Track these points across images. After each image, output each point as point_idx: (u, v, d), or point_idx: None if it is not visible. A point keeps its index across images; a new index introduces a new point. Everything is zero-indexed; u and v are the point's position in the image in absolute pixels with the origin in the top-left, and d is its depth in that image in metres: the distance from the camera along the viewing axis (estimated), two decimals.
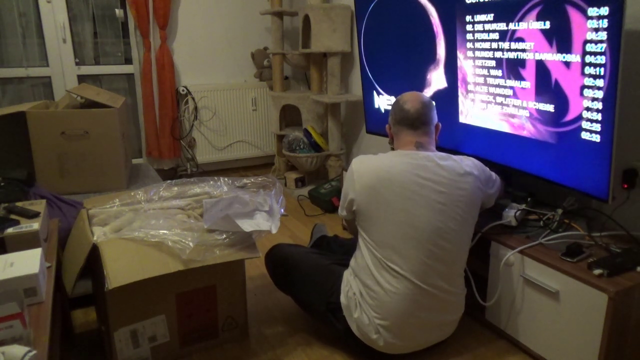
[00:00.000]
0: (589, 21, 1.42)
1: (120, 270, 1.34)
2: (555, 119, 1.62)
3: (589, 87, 1.47)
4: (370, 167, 1.50)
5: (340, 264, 1.65)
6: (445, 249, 1.46)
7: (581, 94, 1.50)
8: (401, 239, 1.44)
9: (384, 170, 1.47)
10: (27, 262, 1.19)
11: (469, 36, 1.90)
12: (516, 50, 1.70)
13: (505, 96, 1.80)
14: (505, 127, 1.85)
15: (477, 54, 1.88)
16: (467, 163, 1.55)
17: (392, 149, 1.66)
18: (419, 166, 1.48)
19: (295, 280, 1.69)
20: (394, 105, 1.64)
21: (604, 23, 1.37)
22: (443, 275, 1.47)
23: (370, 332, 1.48)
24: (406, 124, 1.58)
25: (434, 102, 1.63)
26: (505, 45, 1.74)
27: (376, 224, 1.47)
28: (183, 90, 3.52)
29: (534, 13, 1.60)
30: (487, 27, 1.80)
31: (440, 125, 1.66)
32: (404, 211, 1.44)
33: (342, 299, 1.54)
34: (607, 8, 1.36)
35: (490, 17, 1.77)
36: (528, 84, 1.69)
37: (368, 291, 1.48)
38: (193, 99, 3.55)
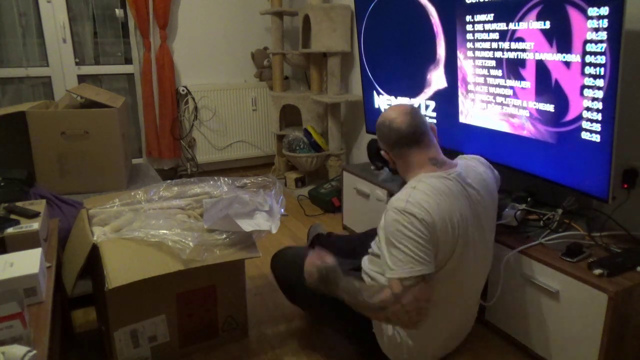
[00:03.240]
0: (589, 21, 1.42)
1: (120, 270, 1.34)
2: (555, 118, 1.62)
3: (589, 87, 1.47)
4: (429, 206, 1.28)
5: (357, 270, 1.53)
6: (484, 276, 1.49)
7: (581, 93, 1.50)
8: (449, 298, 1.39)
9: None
10: (27, 262, 1.19)
11: (469, 36, 1.90)
12: (516, 50, 1.70)
13: (505, 96, 1.80)
14: (505, 127, 1.85)
15: (477, 54, 1.88)
16: (488, 172, 1.49)
17: (395, 172, 1.51)
18: (464, 195, 1.34)
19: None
20: (380, 129, 1.45)
21: (604, 23, 1.37)
22: (478, 295, 1.51)
23: (401, 354, 1.42)
24: (407, 143, 1.40)
25: (417, 106, 1.52)
26: (505, 45, 1.74)
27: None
28: (183, 90, 3.52)
29: (534, 13, 1.60)
30: (487, 27, 1.80)
31: (434, 125, 1.52)
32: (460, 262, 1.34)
33: None
34: (607, 8, 1.36)
35: (490, 17, 1.77)
36: (528, 84, 1.69)
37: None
38: (193, 99, 3.55)
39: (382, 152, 1.48)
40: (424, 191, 1.29)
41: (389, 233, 1.26)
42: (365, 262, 1.51)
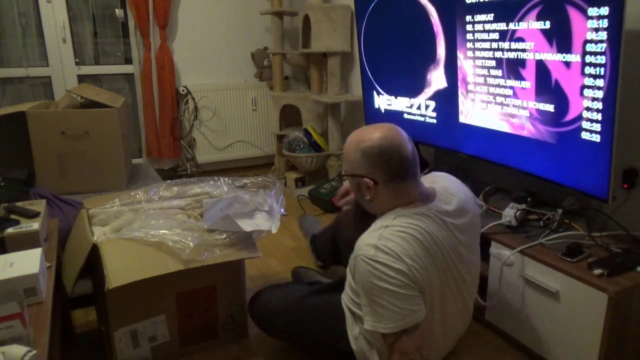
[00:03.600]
0: (589, 21, 1.42)
1: (120, 270, 1.34)
2: (555, 118, 1.62)
3: (589, 87, 1.47)
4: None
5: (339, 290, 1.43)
6: (471, 294, 1.40)
7: (581, 93, 1.50)
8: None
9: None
10: (27, 262, 1.19)
11: (469, 36, 1.90)
12: (516, 50, 1.70)
13: (505, 96, 1.80)
14: (505, 127, 1.85)
15: (477, 53, 1.88)
16: (462, 189, 1.37)
17: (368, 199, 1.26)
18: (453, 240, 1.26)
19: (294, 332, 1.48)
20: (381, 153, 1.20)
21: (604, 23, 1.37)
22: (471, 300, 1.42)
23: None
24: (408, 176, 1.22)
25: None
26: (505, 45, 1.74)
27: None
28: (183, 90, 3.52)
29: (534, 13, 1.60)
30: (487, 27, 1.80)
31: None
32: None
33: (353, 346, 1.32)
34: (607, 8, 1.36)
35: (490, 17, 1.77)
36: (528, 84, 1.69)
37: None
38: (193, 99, 3.55)
39: (365, 183, 1.24)
40: (397, 233, 1.16)
41: (364, 284, 1.15)
42: (344, 298, 1.38)
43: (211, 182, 1.86)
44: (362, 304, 1.19)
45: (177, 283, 1.52)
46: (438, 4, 2.03)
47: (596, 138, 1.48)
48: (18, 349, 0.92)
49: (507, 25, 1.71)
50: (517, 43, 1.70)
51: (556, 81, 1.58)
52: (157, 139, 3.51)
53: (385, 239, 1.15)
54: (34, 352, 0.93)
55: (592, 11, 1.40)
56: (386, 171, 1.21)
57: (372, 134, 1.22)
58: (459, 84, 2.02)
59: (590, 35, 1.42)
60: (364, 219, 1.31)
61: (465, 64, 1.96)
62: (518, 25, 1.67)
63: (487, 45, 1.83)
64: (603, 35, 1.39)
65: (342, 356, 1.34)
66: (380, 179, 1.22)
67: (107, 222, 1.62)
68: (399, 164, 1.21)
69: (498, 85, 1.82)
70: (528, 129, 1.74)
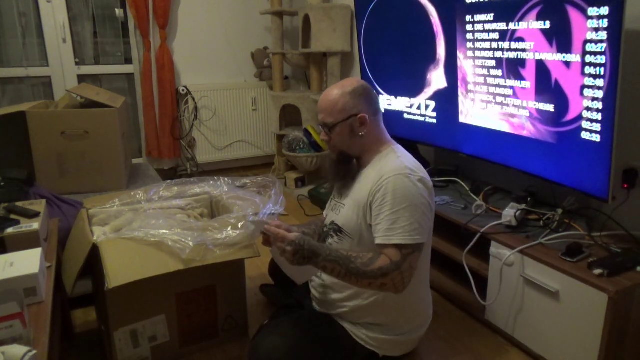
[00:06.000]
0: (589, 21, 1.42)
1: (120, 270, 1.34)
2: (555, 118, 1.62)
3: (589, 87, 1.47)
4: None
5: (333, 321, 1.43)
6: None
7: (581, 93, 1.50)
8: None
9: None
10: (27, 262, 1.19)
11: (469, 36, 1.90)
12: (516, 50, 1.70)
13: (505, 96, 1.80)
14: (505, 127, 1.85)
15: (477, 53, 1.88)
16: None
17: (361, 135, 1.37)
18: None
19: None
20: (365, 92, 1.37)
21: (604, 23, 1.37)
22: None
23: (416, 341, 1.50)
24: (380, 111, 1.41)
25: None
26: (505, 45, 1.74)
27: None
28: (183, 90, 3.52)
29: (534, 13, 1.60)
30: (487, 27, 1.80)
31: None
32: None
33: (367, 345, 1.40)
34: (607, 8, 1.36)
35: (490, 17, 1.77)
36: (528, 84, 1.69)
37: (406, 318, 1.43)
38: (193, 98, 3.55)
39: (361, 116, 1.34)
40: (413, 160, 1.35)
41: (400, 197, 1.25)
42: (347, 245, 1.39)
43: (211, 182, 1.86)
44: (388, 219, 1.26)
45: (177, 283, 1.52)
46: (438, 4, 2.03)
47: (596, 138, 1.48)
48: (18, 349, 0.92)
49: (507, 25, 1.71)
50: (517, 43, 1.70)
51: (556, 81, 1.58)
52: (157, 139, 3.51)
53: (414, 164, 1.33)
54: (34, 352, 0.93)
55: (592, 11, 1.40)
56: (371, 104, 1.38)
57: (349, 82, 1.39)
58: (459, 83, 2.02)
59: (590, 35, 1.42)
60: (345, 166, 1.43)
61: (465, 63, 1.96)
62: (518, 25, 1.67)
63: (487, 45, 1.83)
64: (603, 35, 1.39)
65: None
66: (369, 112, 1.37)
67: (107, 222, 1.62)
68: (377, 98, 1.41)
69: (498, 85, 1.82)
70: (528, 129, 1.74)
